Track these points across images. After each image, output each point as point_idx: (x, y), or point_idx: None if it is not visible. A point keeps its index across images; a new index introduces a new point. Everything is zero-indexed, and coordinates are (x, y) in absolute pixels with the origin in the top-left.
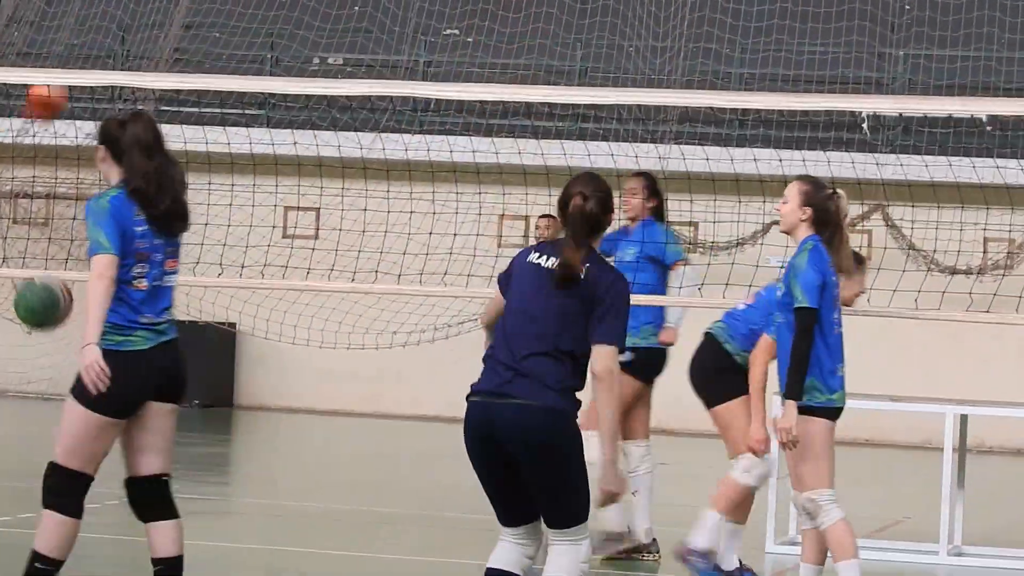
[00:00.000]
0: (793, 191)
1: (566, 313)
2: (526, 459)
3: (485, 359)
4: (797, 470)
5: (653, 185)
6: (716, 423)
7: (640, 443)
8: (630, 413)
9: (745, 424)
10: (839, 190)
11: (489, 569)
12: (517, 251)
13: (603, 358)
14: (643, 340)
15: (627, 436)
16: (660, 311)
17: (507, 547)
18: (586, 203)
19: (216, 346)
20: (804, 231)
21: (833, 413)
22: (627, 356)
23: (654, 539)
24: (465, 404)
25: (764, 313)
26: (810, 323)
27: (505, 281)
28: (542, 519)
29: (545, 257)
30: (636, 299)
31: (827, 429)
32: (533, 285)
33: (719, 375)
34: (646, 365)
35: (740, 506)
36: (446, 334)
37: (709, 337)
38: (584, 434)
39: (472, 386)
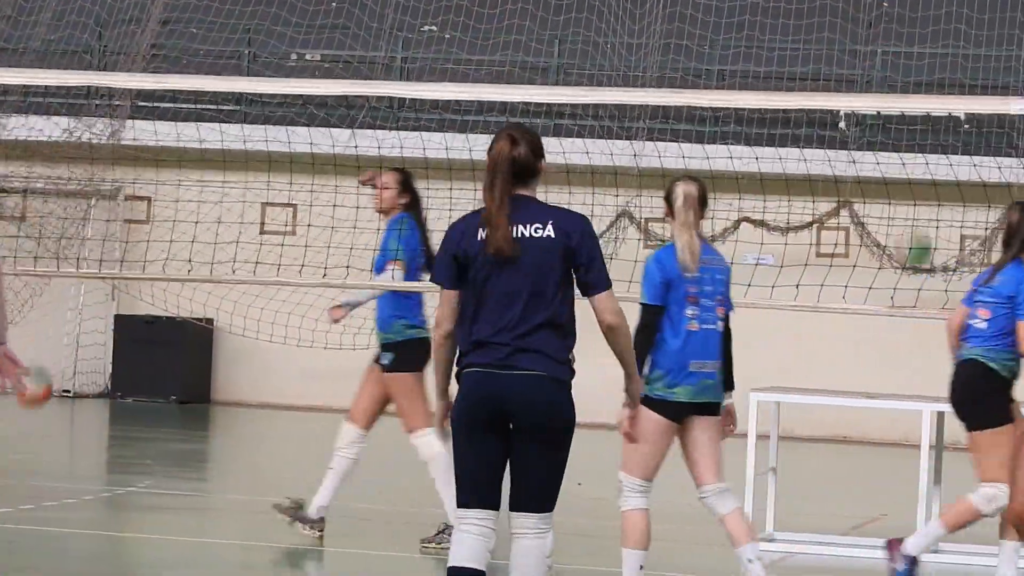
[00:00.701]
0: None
1: (555, 282)
2: (530, 429)
3: (470, 348)
4: (624, 449)
5: (407, 180)
6: (972, 447)
7: (360, 430)
8: (411, 405)
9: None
10: (682, 180)
11: (457, 568)
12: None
13: (607, 307)
14: (397, 335)
15: (367, 423)
16: (404, 303)
17: (470, 540)
18: (514, 147)
19: (193, 342)
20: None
21: (667, 407)
22: (387, 358)
23: (323, 518)
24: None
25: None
26: (647, 319)
27: (458, 273)
28: (513, 506)
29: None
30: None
31: (653, 421)
32: (507, 261)
33: (987, 398)
34: (409, 357)
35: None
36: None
37: (973, 362)
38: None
39: (466, 360)
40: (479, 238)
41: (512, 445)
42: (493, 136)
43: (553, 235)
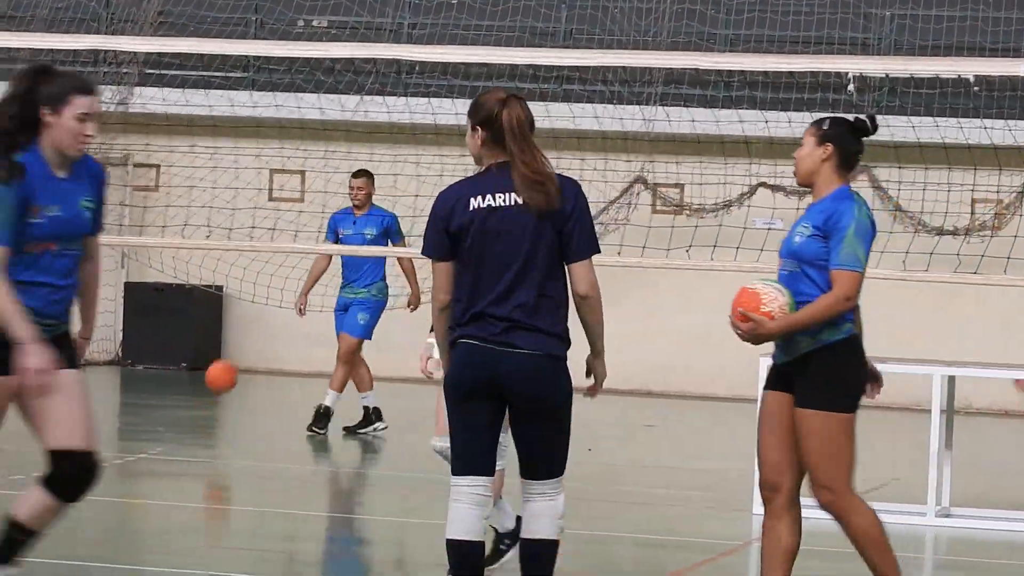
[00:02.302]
0: None
1: (547, 250)
2: (529, 408)
3: (465, 320)
4: None
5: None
6: None
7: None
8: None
9: None
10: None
11: (455, 541)
12: None
13: (585, 276)
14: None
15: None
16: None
17: (464, 510)
18: (522, 108)
19: (203, 309)
20: None
21: None
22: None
23: None
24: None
25: None
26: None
27: (450, 245)
28: (523, 473)
29: (493, 197)
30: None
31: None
32: (501, 231)
33: None
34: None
35: None
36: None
37: None
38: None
39: (461, 331)
40: (471, 208)
41: (512, 416)
42: (476, 101)
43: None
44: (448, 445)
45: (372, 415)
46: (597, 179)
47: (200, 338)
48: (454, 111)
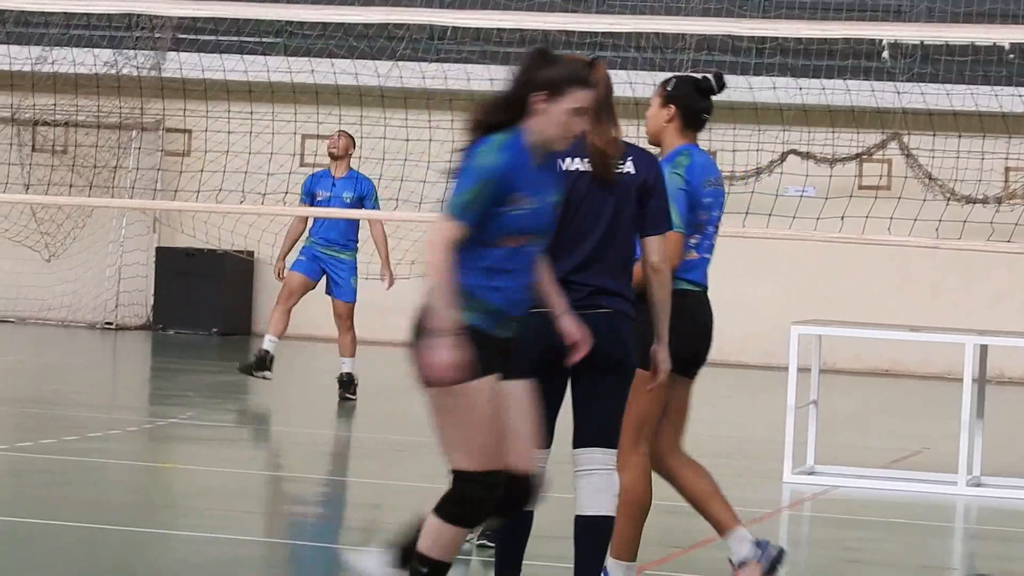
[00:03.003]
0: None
1: (627, 220)
2: (607, 367)
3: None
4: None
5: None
6: None
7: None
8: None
9: None
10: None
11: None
12: None
13: (659, 248)
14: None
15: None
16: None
17: None
18: (607, 74)
19: (234, 274)
20: None
21: None
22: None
23: None
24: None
25: None
26: None
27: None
28: (584, 443)
29: (581, 160)
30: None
31: None
32: (587, 196)
33: None
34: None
35: None
36: None
37: None
38: None
39: (539, 300)
40: (561, 168)
41: (585, 384)
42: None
43: (633, 171)
44: None
45: (345, 380)
46: None
47: (231, 303)
48: (488, 76)
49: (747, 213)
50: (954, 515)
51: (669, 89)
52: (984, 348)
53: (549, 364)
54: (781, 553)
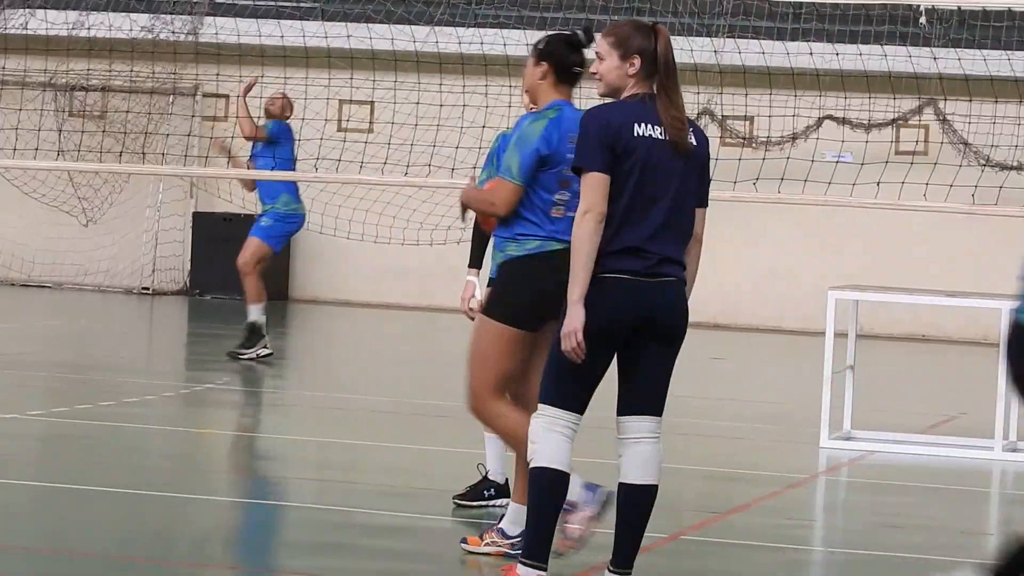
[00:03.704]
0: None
1: (691, 191)
2: (668, 336)
3: (618, 253)
4: None
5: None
6: None
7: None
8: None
9: None
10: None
11: (550, 470)
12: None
13: (703, 220)
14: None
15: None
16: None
17: (562, 441)
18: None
19: None
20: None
21: None
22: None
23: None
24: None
25: None
26: None
27: (612, 162)
28: (634, 411)
29: (652, 128)
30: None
31: None
32: (659, 165)
33: None
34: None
35: None
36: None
37: None
38: None
39: (612, 264)
40: (636, 134)
41: (638, 352)
42: (623, 30)
43: (695, 143)
44: None
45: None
46: None
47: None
48: (524, 42)
49: (783, 179)
50: (990, 480)
51: (541, 47)
52: None
53: (621, 335)
54: (610, 495)
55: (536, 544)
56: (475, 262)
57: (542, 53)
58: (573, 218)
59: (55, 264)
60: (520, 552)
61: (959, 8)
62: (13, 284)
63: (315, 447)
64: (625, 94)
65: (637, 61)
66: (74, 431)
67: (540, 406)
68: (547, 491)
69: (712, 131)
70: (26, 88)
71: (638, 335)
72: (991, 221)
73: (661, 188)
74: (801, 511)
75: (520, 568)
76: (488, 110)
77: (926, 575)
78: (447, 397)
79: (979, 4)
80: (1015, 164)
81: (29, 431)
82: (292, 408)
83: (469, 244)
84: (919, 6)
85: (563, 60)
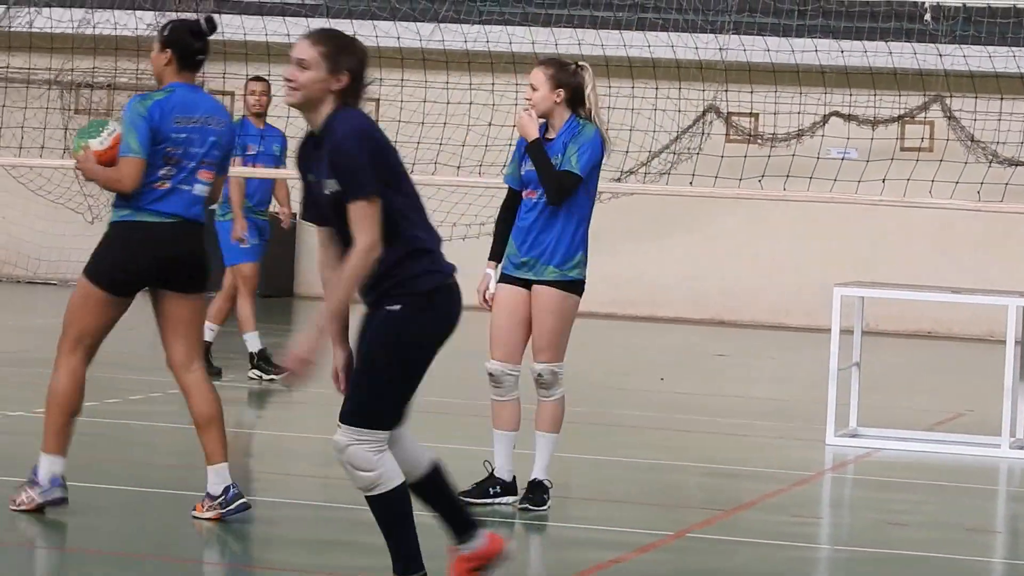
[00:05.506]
0: (540, 76)
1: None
2: None
3: None
4: (557, 341)
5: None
6: None
7: None
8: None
9: None
10: (581, 64)
11: (398, 488)
12: None
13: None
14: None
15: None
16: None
17: (388, 453)
18: None
19: (277, 236)
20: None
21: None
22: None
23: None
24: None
25: None
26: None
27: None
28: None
29: None
30: None
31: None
32: None
33: None
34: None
35: None
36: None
37: None
38: None
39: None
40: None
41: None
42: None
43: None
44: (503, 368)
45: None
46: (671, 108)
47: (273, 266)
48: (529, 39)
49: (788, 176)
50: (997, 477)
51: (166, 34)
52: None
53: None
54: (242, 508)
55: (408, 554)
56: (495, 255)
57: (166, 40)
58: (187, 193)
59: (60, 261)
60: (398, 571)
61: (964, 4)
62: (18, 281)
63: (319, 444)
64: None
65: None
66: (79, 428)
67: (363, 431)
68: (399, 504)
69: (718, 128)
70: (32, 86)
71: None
72: (997, 217)
73: None
74: (807, 508)
75: None
76: (494, 107)
77: (932, 573)
78: (453, 393)
79: (984, 1)
80: (1021, 160)
81: (34, 429)
82: (296, 405)
83: (474, 241)
84: (924, 3)
85: (186, 48)
